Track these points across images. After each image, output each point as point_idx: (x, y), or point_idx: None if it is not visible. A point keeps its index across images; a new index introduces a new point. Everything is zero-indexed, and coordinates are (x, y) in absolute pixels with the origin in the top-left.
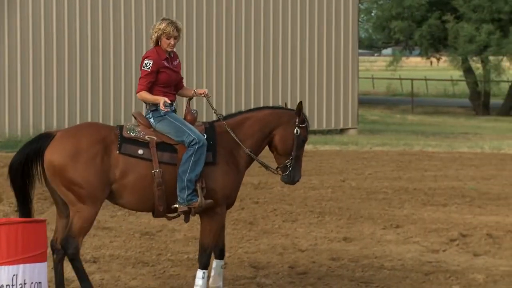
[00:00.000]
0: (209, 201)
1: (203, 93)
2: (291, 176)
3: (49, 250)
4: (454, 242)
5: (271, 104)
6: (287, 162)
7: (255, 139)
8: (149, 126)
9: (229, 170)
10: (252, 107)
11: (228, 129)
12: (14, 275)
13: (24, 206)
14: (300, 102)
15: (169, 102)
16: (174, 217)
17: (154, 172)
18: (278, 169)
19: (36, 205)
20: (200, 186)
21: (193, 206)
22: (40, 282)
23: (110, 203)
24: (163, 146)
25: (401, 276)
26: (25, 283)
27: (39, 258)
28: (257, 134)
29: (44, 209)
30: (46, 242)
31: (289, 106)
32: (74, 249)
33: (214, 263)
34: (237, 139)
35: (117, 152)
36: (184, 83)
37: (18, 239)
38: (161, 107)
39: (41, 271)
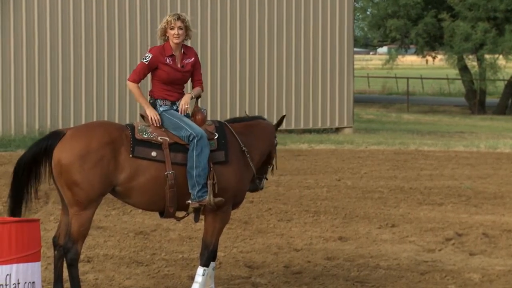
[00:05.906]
0: (218, 199)
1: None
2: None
3: (43, 250)
4: (450, 241)
5: (265, 104)
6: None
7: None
8: (160, 126)
9: (240, 169)
10: (247, 106)
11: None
12: (7, 274)
13: (17, 206)
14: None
15: (157, 120)
16: (183, 217)
17: (167, 174)
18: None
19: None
20: (212, 183)
21: (203, 203)
22: (33, 282)
23: (104, 203)
24: (175, 147)
25: (396, 276)
26: (18, 283)
27: (33, 257)
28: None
29: (37, 208)
30: (39, 241)
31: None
32: (74, 254)
33: None
34: (239, 140)
35: (130, 155)
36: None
37: (11, 239)
38: (149, 119)
39: (34, 271)
